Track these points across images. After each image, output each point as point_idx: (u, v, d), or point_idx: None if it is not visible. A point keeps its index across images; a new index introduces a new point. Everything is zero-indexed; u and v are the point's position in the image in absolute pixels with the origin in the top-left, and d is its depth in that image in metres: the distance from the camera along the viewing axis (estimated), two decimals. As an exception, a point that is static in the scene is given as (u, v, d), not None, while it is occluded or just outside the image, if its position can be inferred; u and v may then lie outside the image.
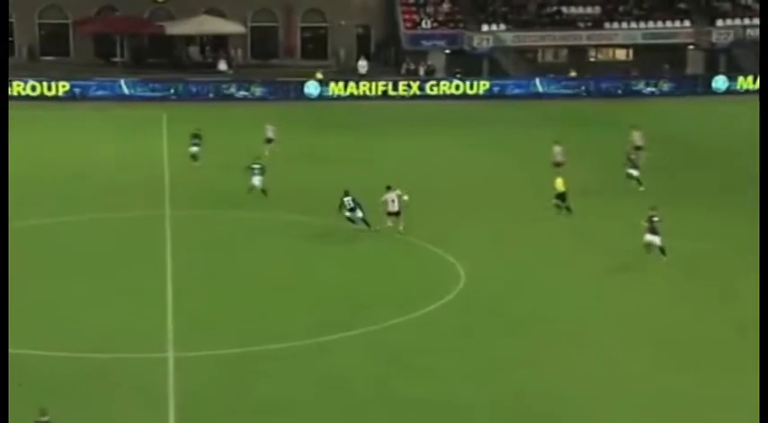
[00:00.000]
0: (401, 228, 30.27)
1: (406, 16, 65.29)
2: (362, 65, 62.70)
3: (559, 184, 32.89)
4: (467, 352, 22.42)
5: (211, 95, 57.63)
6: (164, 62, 63.57)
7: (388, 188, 30.48)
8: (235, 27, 64.90)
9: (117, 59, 63.04)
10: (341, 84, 59.39)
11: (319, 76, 59.66)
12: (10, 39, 63.63)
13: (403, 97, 58.80)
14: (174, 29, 63.40)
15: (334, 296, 25.88)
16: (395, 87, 59.36)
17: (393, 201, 30.35)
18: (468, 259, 28.36)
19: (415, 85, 59.58)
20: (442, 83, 60.20)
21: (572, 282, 27.02)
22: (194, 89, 57.51)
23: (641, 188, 35.77)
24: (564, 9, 66.37)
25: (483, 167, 40.69)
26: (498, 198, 35.40)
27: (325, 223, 31.34)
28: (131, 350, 22.07)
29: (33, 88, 56.17)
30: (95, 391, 20.37)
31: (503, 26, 64.77)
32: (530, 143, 44.29)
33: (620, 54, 66.19)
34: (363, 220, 30.70)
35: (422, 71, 62.49)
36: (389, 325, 23.79)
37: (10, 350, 20.89)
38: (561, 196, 32.77)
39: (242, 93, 58.49)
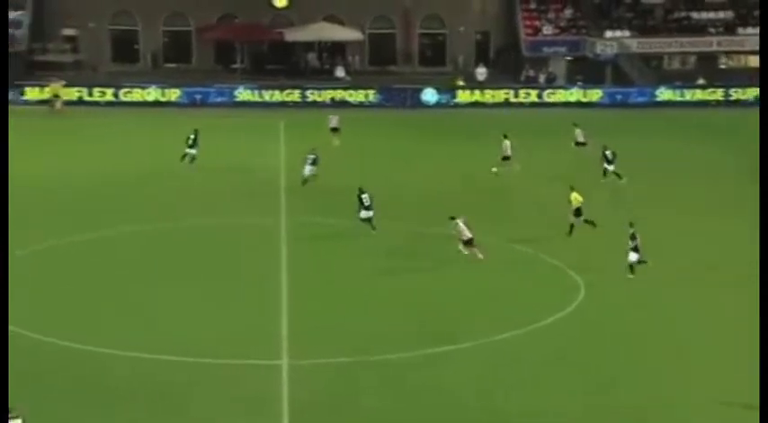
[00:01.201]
0: (480, 255, 28.74)
1: (527, 22, 64.73)
2: (481, 72, 62.42)
3: (575, 198, 31.28)
4: (582, 365, 22.05)
5: (328, 102, 58.23)
6: (282, 69, 64.60)
7: (453, 218, 29.24)
8: (353, 34, 65.49)
9: (236, 66, 64.35)
10: (458, 91, 59.26)
11: (460, 82, 59.61)
12: (136, 46, 65.71)
13: (522, 105, 58.27)
14: (293, 35, 64.37)
15: (447, 306, 25.75)
16: (515, 94, 58.93)
17: (465, 227, 28.91)
18: (587, 271, 27.90)
19: (534, 93, 59.00)
20: (562, 90, 59.45)
21: (691, 295, 26.29)
22: (311, 96, 58.17)
23: (622, 181, 37.57)
24: (694, 14, 64.74)
25: (599, 178, 39.95)
26: (614, 208, 34.65)
27: (441, 232, 31.21)
28: (245, 356, 22.35)
29: (155, 94, 57.74)
30: (207, 396, 20.68)
31: (627, 32, 63.56)
32: (650, 153, 43.22)
33: (754, 61, 64.13)
34: (369, 219, 31.21)
35: (542, 78, 61.84)
36: (503, 337, 23.54)
37: (124, 353, 21.47)
38: (578, 211, 31.27)
39: (358, 99, 58.93)
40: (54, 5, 63.31)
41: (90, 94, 57.11)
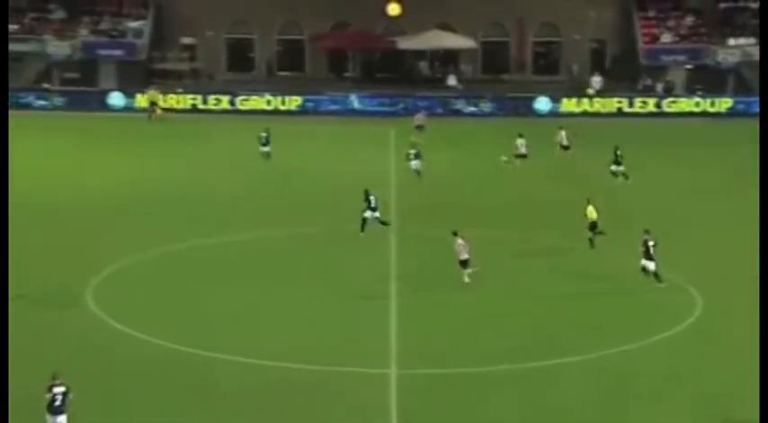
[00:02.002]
0: (466, 279, 27.60)
1: (645, 30, 63.55)
2: (596, 80, 61.55)
3: (591, 212, 30.68)
4: (699, 379, 21.54)
5: (440, 110, 58.23)
6: (393, 77, 64.91)
7: (455, 234, 27.98)
8: (465, 42, 65.37)
9: (348, 74, 64.94)
10: (573, 100, 58.62)
11: (591, 91, 59.01)
12: (251, 55, 66.99)
13: (638, 115, 57.21)
14: (406, 44, 64.63)
15: (560, 317, 25.43)
16: (630, 104, 57.92)
17: (462, 247, 27.62)
18: (704, 284, 27.22)
19: (651, 102, 57.88)
20: (681, 100, 58.16)
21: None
22: (423, 104, 58.25)
23: (628, 182, 38.77)
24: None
25: (719, 190, 38.92)
26: (736, 223, 33.70)
27: (549, 244, 30.86)
28: (354, 364, 22.47)
29: (269, 102, 58.72)
30: (315, 403, 20.85)
31: (752, 39, 61.76)
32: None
33: None
34: (381, 220, 32.07)
35: (660, 87, 60.61)
36: (618, 351, 23.13)
37: (233, 358, 21.83)
38: (593, 225, 30.61)
39: (470, 108, 58.79)
40: (174, 15, 64.99)
41: (205, 102, 58.45)
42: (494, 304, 26.66)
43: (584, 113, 57.70)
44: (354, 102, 58.56)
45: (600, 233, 30.88)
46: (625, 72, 63.98)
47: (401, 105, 58.51)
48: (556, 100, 58.55)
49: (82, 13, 63.88)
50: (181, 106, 58.24)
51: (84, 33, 62.44)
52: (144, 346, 23.46)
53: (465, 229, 32.17)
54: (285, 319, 25.48)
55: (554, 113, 57.98)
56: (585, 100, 58.34)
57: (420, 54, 66.56)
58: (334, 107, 58.58)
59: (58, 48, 61.05)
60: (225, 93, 59.11)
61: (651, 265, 27.31)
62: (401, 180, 40.99)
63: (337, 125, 53.31)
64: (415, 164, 40.14)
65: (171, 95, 58.08)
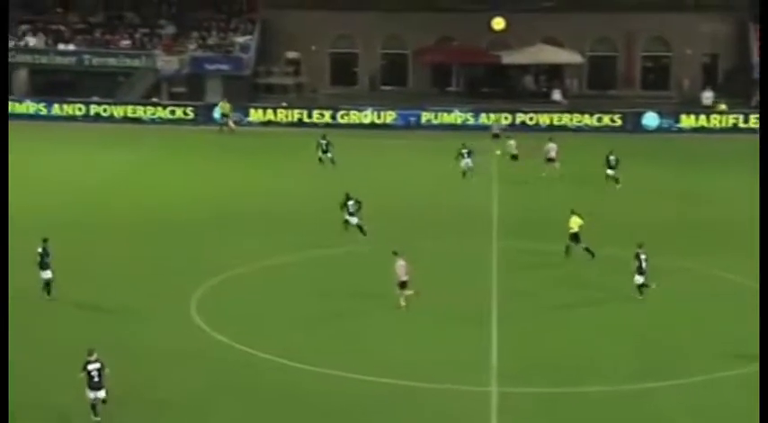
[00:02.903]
0: (402, 302, 26.91)
1: (762, 43, 62.03)
2: (707, 96, 60.37)
3: (574, 222, 30.61)
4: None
5: (545, 126, 57.85)
6: (497, 92, 64.76)
7: (395, 253, 27.21)
8: (572, 56, 64.85)
9: (451, 89, 65.02)
10: (682, 116, 57.60)
11: (722, 106, 57.84)
12: (354, 69, 67.71)
13: (753, 131, 55.86)
14: (510, 58, 64.43)
15: (659, 340, 25.01)
16: (745, 120, 56.63)
17: (402, 269, 26.75)
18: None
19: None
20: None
21: None
22: (527, 119, 57.94)
23: (618, 186, 40.85)
24: None
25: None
26: None
27: (663, 264, 30.33)
28: (454, 381, 22.46)
29: (371, 117, 59.17)
30: (415, 420, 20.93)
31: None
32: None
33: None
34: (359, 226, 32.91)
35: (774, 103, 59.04)
36: (719, 376, 22.58)
37: (335, 373, 22.02)
38: (575, 237, 30.58)
39: (576, 123, 58.26)
40: (279, 30, 66.10)
41: (309, 116, 59.27)
42: (593, 324, 26.33)
43: (698, 129, 56.61)
44: (458, 116, 58.56)
45: (587, 251, 30.72)
46: (738, 87, 62.55)
47: (505, 121, 58.24)
48: (665, 116, 57.56)
49: (191, 29, 65.51)
50: (286, 120, 59.18)
51: (192, 48, 64.00)
52: (243, 356, 23.84)
53: (563, 242, 31.89)
54: (386, 334, 25.61)
55: (663, 129, 57.03)
56: (702, 116, 57.21)
57: (525, 69, 66.27)
58: (436, 122, 58.70)
59: (166, 63, 62.69)
60: (328, 107, 59.83)
61: (640, 279, 27.39)
62: (503, 195, 40.86)
63: (439, 140, 53.32)
64: (466, 163, 42.62)
65: (277, 110, 59.13)
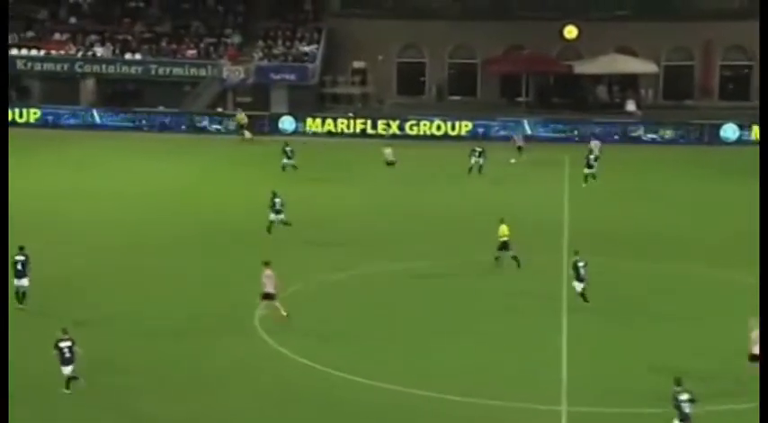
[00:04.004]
0: (262, 310, 26.56)
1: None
2: (789, 106, 59.09)
3: (503, 230, 31.33)
4: None
5: (617, 137, 57.21)
6: (568, 102, 64.22)
7: (266, 264, 26.75)
8: (646, 66, 64.07)
9: (521, 99, 64.68)
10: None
11: None
12: (422, 79, 67.67)
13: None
14: (583, 68, 63.88)
15: (738, 361, 24.40)
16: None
17: (268, 279, 26.21)
18: None
19: None
20: None
21: None
22: (599, 130, 57.35)
23: (584, 185, 43.61)
24: None
25: None
26: None
27: (742, 280, 29.72)
28: (523, 399, 22.22)
29: (439, 127, 59.08)
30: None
31: None
32: None
33: None
34: (284, 222, 34.65)
35: None
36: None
37: (400, 388, 21.90)
38: (504, 245, 31.14)
39: (650, 135, 57.53)
40: (346, 39, 66.38)
41: (374, 127, 59.37)
42: (665, 342, 25.83)
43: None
44: (527, 127, 58.22)
45: (514, 259, 31.12)
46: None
47: (576, 132, 57.79)
48: (745, 127, 56.52)
49: (257, 38, 66.12)
50: (351, 131, 59.37)
51: (257, 57, 64.59)
52: (303, 370, 23.86)
53: (637, 258, 31.41)
54: (452, 350, 25.41)
55: (743, 141, 56.00)
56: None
57: (597, 79, 65.64)
58: (504, 132, 58.40)
59: (232, 72, 63.34)
60: (394, 117, 59.88)
61: (579, 287, 27.70)
62: (574, 208, 40.42)
63: (508, 151, 53.03)
64: (475, 161, 46.18)
65: (342, 120, 59.40)
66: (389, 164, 47.60)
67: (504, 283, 30.77)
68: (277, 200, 34.90)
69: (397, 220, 38.72)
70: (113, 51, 65.13)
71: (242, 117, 58.11)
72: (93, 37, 65.63)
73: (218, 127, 60.18)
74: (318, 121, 59.77)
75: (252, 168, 50.00)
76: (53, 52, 64.21)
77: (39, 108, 60.88)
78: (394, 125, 59.09)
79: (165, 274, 31.39)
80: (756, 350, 22.41)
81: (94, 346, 23.78)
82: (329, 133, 59.00)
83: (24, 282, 27.23)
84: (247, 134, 56.69)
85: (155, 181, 45.97)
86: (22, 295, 27.35)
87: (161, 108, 61.19)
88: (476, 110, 62.12)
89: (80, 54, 64.25)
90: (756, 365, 22.07)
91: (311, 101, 62.87)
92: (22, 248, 27.71)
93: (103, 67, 64.30)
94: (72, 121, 60.28)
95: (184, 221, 38.23)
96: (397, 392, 22.63)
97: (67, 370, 21.95)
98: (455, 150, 52.31)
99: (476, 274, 31.70)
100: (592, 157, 45.46)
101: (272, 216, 34.82)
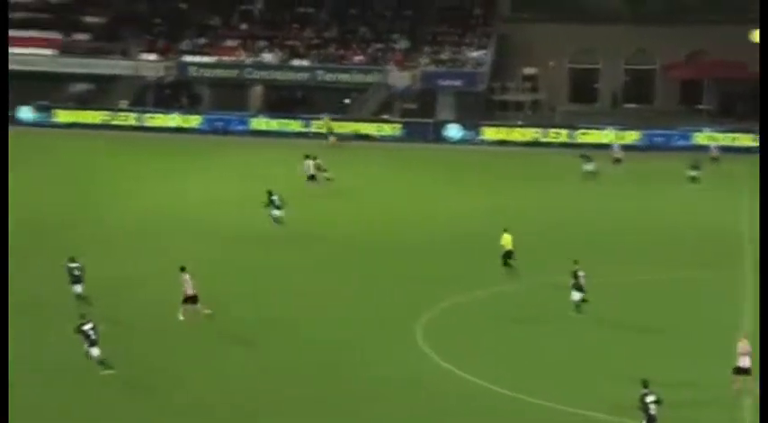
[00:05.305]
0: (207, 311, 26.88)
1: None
2: None
3: (506, 240, 31.64)
4: None
5: (808, 149, 54.36)
6: (756, 110, 61.54)
7: (182, 269, 27.28)
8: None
9: (703, 107, 62.48)
10: None
11: None
12: (595, 85, 66.33)
13: None
14: (771, 74, 61.11)
15: None
16: None
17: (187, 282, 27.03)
18: None
19: None
20: None
21: None
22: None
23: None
24: None
25: None
26: None
27: None
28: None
29: (612, 136, 57.52)
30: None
31: None
32: None
33: None
34: (279, 218, 36.35)
35: None
36: None
37: (559, 407, 21.28)
38: (508, 254, 31.53)
39: None
40: (516, 44, 65.82)
41: (545, 135, 58.47)
42: None
43: None
44: (705, 136, 56.10)
45: (508, 265, 31.54)
46: None
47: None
48: None
49: (425, 43, 66.25)
50: (520, 139, 58.69)
51: (424, 63, 64.68)
52: (465, 385, 23.55)
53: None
54: (617, 369, 24.58)
55: None
56: None
57: (787, 85, 62.70)
58: (683, 142, 56.49)
59: (399, 78, 63.65)
60: (565, 126, 58.83)
61: (577, 296, 28.00)
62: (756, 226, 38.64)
63: (687, 162, 51.30)
64: (586, 167, 47.38)
65: (512, 129, 58.85)
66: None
67: (683, 299, 29.52)
68: (275, 197, 36.93)
69: (577, 234, 37.96)
70: (281, 57, 66.48)
71: (329, 122, 58.78)
72: (263, 43, 67.22)
73: (383, 134, 60.51)
74: (492, 129, 59.23)
75: (417, 175, 49.97)
76: (224, 58, 66.02)
77: (205, 114, 62.72)
78: (564, 133, 58.04)
79: (323, 284, 31.61)
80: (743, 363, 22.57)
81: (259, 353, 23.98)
82: (501, 142, 58.39)
83: (79, 288, 28.11)
84: (332, 139, 57.11)
85: (315, 188, 46.47)
86: (80, 298, 28.06)
87: (326, 115, 62.01)
88: (652, 118, 60.36)
89: (250, 61, 65.84)
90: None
91: (479, 108, 62.49)
92: (72, 258, 28.38)
93: (271, 73, 65.69)
94: (240, 128, 61.81)
95: (349, 231, 38.37)
96: (555, 411, 22.16)
97: (96, 351, 23.11)
98: (633, 163, 50.97)
99: (671, 290, 30.64)
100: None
101: (276, 212, 36.80)
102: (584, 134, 58.08)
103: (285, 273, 32.39)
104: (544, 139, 58.40)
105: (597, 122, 58.89)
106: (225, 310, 27.85)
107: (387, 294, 30.33)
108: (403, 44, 66.42)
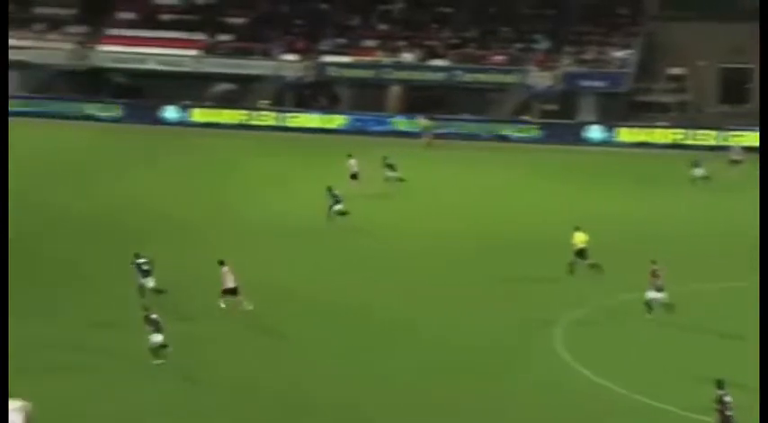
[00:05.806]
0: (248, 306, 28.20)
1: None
2: None
3: (579, 238, 31.13)
4: None
5: None
6: None
7: (221, 263, 29.14)
8: None
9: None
10: None
11: None
12: (747, 86, 64.14)
13: None
14: None
15: None
16: None
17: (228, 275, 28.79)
18: None
19: None
20: None
21: None
22: None
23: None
24: None
25: None
26: None
27: None
28: None
29: None
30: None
31: None
32: None
33: None
34: (342, 211, 38.24)
35: None
36: None
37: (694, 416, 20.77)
38: (581, 253, 31.17)
39: None
40: (664, 43, 64.36)
41: (690, 137, 57.03)
42: None
43: None
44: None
45: (593, 266, 31.24)
46: None
47: None
48: None
49: (567, 43, 65.45)
50: (662, 141, 57.42)
51: (566, 63, 63.88)
52: (601, 391, 23.22)
53: None
54: (747, 379, 23.72)
55: None
56: None
57: None
58: None
59: (539, 78, 63.05)
60: (713, 128, 57.27)
61: (659, 296, 28.06)
62: None
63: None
64: (694, 172, 47.03)
65: (654, 130, 57.59)
66: (353, 177, 45.21)
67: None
68: (336, 192, 38.94)
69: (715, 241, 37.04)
70: (420, 57, 66.62)
71: (424, 122, 58.99)
72: (401, 43, 67.51)
73: (522, 135, 60.04)
74: (631, 130, 58.16)
75: (552, 179, 49.51)
76: (363, 58, 66.56)
77: (346, 114, 63.32)
78: (711, 135, 56.50)
79: (460, 285, 31.61)
80: None
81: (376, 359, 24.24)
82: (641, 144, 57.23)
83: (151, 282, 29.36)
84: (426, 139, 57.12)
85: (454, 190, 46.47)
86: (157, 292, 29.26)
87: (465, 116, 61.87)
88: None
89: (390, 61, 66.17)
90: None
91: (621, 109, 61.36)
92: (137, 255, 29.61)
93: (409, 73, 65.88)
94: (377, 128, 62.18)
95: (484, 232, 38.39)
96: (690, 420, 21.51)
97: (158, 338, 24.58)
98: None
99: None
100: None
101: (338, 206, 38.62)
102: (734, 136, 56.37)
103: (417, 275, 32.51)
104: (688, 142, 56.93)
105: (748, 124, 57.02)
106: (369, 312, 28.17)
107: (526, 299, 30.17)
108: (544, 44, 65.73)
